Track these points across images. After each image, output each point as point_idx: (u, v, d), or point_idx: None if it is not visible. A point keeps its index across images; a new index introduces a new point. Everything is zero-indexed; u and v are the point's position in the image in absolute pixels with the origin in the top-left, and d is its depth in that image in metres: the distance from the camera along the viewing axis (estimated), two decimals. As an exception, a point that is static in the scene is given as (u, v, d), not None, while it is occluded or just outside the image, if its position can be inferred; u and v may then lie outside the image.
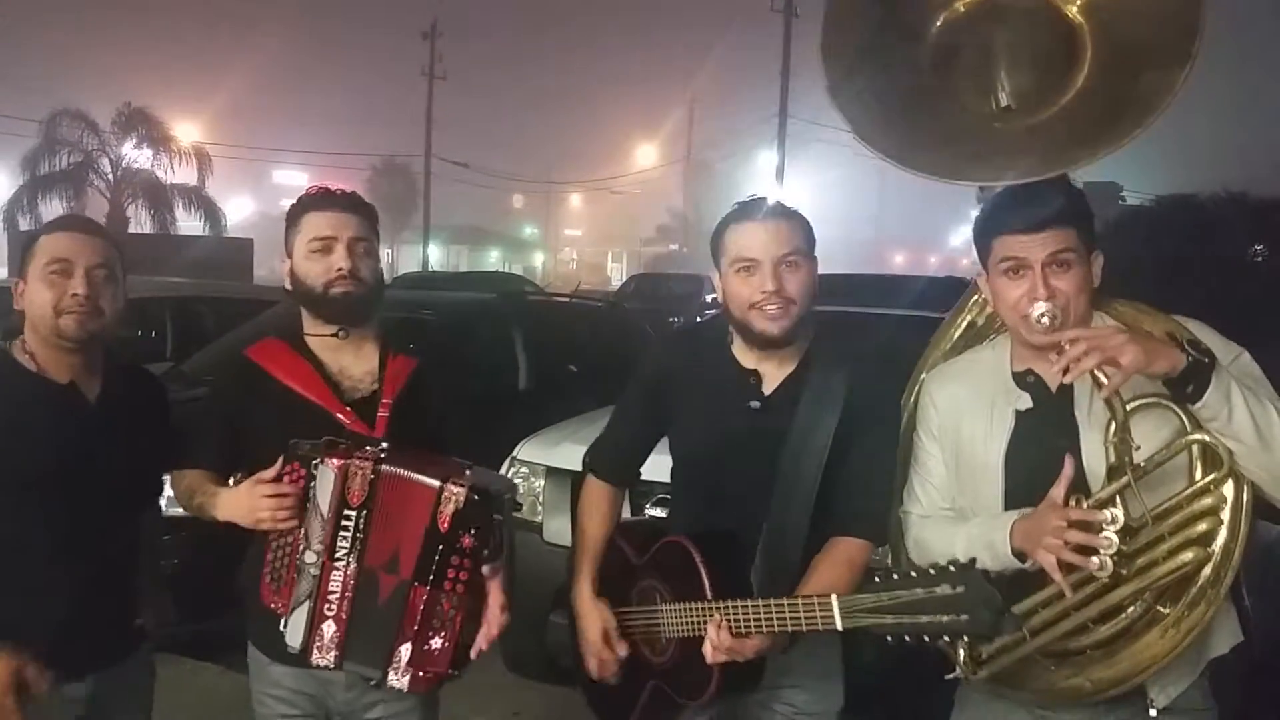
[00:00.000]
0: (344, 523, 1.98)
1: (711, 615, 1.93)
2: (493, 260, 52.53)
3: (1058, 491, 1.81)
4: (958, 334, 2.28)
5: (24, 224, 23.21)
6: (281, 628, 2.01)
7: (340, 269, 2.15)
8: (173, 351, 7.29)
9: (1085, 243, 1.92)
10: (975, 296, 2.23)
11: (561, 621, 2.38)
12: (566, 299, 8.45)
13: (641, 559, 2.22)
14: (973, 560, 1.72)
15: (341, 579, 1.98)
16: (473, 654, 2.06)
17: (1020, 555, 1.88)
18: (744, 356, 2.17)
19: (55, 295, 2.07)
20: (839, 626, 1.79)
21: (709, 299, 23.10)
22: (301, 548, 2.00)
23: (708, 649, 1.92)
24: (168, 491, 4.31)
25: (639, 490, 3.62)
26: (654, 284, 25.92)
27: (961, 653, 1.95)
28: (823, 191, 45.18)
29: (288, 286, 2.25)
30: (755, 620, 1.89)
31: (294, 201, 2.29)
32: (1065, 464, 1.83)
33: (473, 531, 1.95)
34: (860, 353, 2.17)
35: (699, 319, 6.68)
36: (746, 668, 1.97)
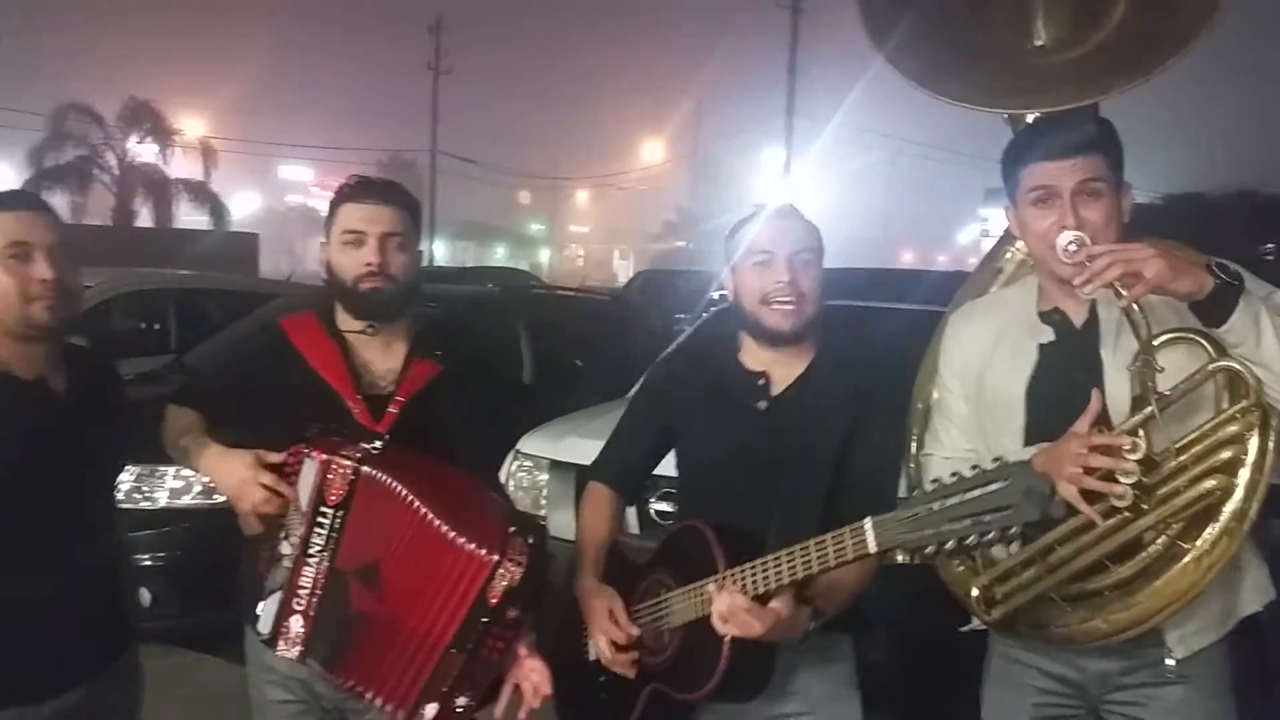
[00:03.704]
0: (320, 519, 1.92)
1: (723, 584, 1.86)
2: (499, 256, 52.49)
3: (1082, 423, 1.78)
4: (983, 283, 2.29)
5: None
6: (257, 611, 1.99)
7: (369, 264, 2.09)
8: (176, 343, 7.28)
9: (1115, 174, 1.89)
10: (1008, 249, 2.23)
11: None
12: (572, 293, 8.41)
13: (644, 559, 2.18)
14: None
15: (313, 576, 1.94)
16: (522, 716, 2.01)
17: None
18: (752, 360, 2.16)
19: (18, 281, 1.91)
20: (872, 549, 1.71)
21: (715, 295, 23.10)
22: (281, 535, 1.96)
23: (721, 609, 1.82)
24: (171, 483, 4.40)
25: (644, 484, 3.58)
26: (660, 280, 25.89)
27: (975, 591, 1.93)
28: (830, 188, 45.15)
29: (324, 275, 2.19)
30: (777, 572, 1.82)
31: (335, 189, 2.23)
32: (1092, 398, 1.80)
33: (520, 606, 1.87)
34: (869, 354, 2.18)
35: (705, 314, 6.64)
36: (753, 661, 1.92)
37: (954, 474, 1.64)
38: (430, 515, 1.86)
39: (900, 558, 1.70)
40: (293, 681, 2.13)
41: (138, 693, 2.24)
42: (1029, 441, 1.94)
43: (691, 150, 53.49)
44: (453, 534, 1.85)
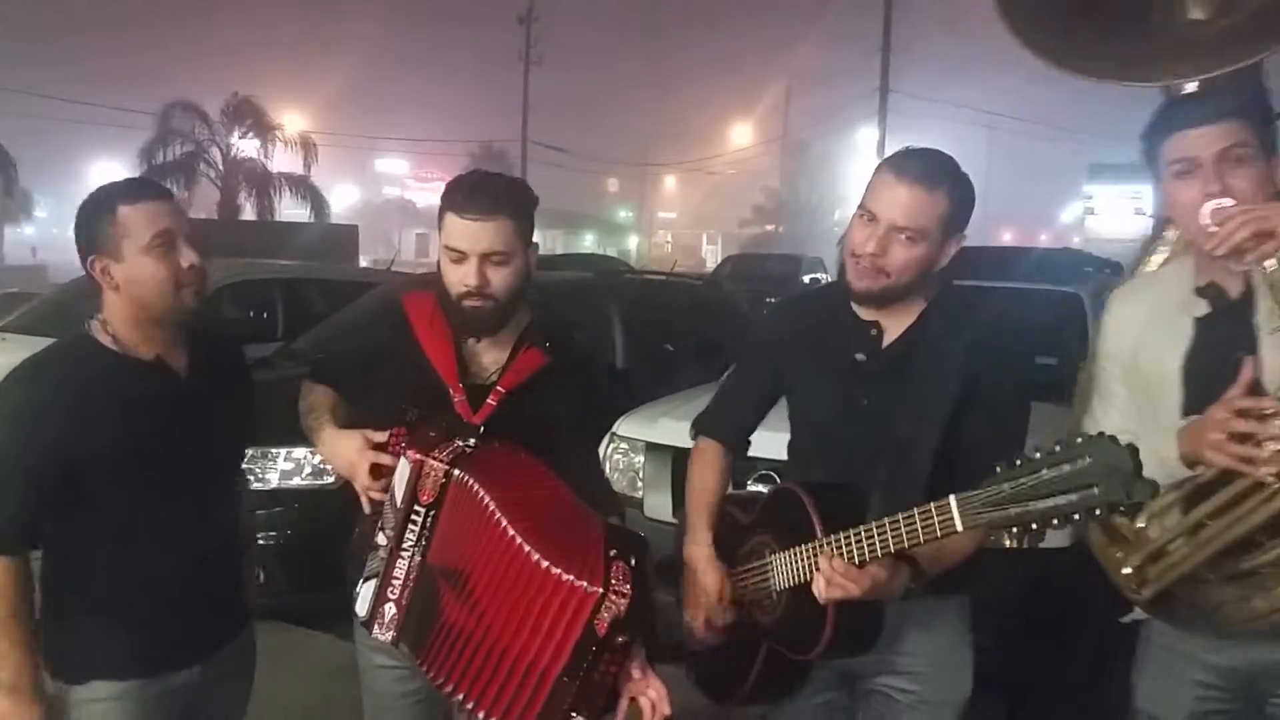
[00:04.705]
0: (413, 516, 1.94)
1: (821, 550, 1.87)
2: (588, 243, 52.69)
3: (1233, 393, 1.72)
4: (1147, 269, 2.26)
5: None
6: (357, 591, 2.03)
7: (468, 286, 2.06)
8: (283, 331, 7.52)
9: (1263, 139, 1.81)
10: (1168, 231, 2.19)
11: (667, 598, 2.33)
12: (664, 277, 8.42)
13: (749, 518, 2.19)
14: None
15: (405, 567, 1.96)
16: None
17: (1191, 463, 1.78)
18: (862, 309, 2.12)
19: (169, 268, 1.99)
20: (959, 527, 1.68)
21: (807, 279, 22.91)
22: (379, 525, 2.00)
23: (819, 585, 1.84)
24: (282, 465, 4.54)
25: (740, 467, 3.57)
26: (750, 265, 25.71)
27: (1126, 571, 1.88)
28: (923, 169, 43.98)
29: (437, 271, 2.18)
30: (870, 544, 1.81)
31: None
32: (1244, 366, 1.74)
33: (629, 632, 1.81)
34: (982, 312, 2.12)
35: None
36: (862, 619, 1.91)
37: (1037, 450, 1.59)
38: (523, 542, 1.82)
39: (1008, 542, 1.66)
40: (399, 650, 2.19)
41: (250, 670, 2.33)
42: (1187, 415, 1.87)
43: (781, 133, 52.84)
44: (549, 564, 1.80)
